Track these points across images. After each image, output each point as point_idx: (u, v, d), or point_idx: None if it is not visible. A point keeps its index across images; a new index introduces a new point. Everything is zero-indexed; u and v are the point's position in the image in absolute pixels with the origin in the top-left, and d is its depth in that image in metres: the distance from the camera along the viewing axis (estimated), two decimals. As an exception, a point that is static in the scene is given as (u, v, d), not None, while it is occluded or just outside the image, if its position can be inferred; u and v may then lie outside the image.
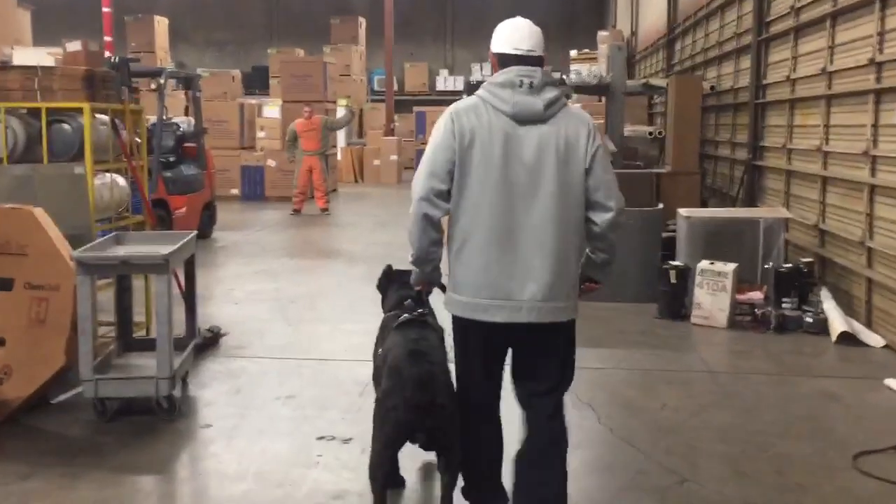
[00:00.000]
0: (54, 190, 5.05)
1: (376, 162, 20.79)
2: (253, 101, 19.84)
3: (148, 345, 5.03)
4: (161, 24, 22.74)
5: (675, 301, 6.92)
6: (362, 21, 24.17)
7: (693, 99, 9.49)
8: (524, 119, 2.99)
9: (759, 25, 9.53)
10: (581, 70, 12.36)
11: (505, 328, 3.04)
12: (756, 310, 6.64)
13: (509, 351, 3.22)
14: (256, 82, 24.95)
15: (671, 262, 7.08)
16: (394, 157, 20.76)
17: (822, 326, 6.39)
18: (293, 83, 17.61)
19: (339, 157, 19.87)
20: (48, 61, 5.99)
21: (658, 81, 11.69)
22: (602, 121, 12.52)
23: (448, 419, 3.13)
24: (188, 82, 11.62)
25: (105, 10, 22.38)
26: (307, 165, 14.06)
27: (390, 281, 3.90)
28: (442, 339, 3.45)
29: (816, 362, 5.88)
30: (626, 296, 7.50)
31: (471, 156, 2.97)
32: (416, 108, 25.58)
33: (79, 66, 5.58)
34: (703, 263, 6.78)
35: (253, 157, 16.67)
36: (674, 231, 7.95)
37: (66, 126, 5.45)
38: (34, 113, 5.42)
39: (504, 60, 3.08)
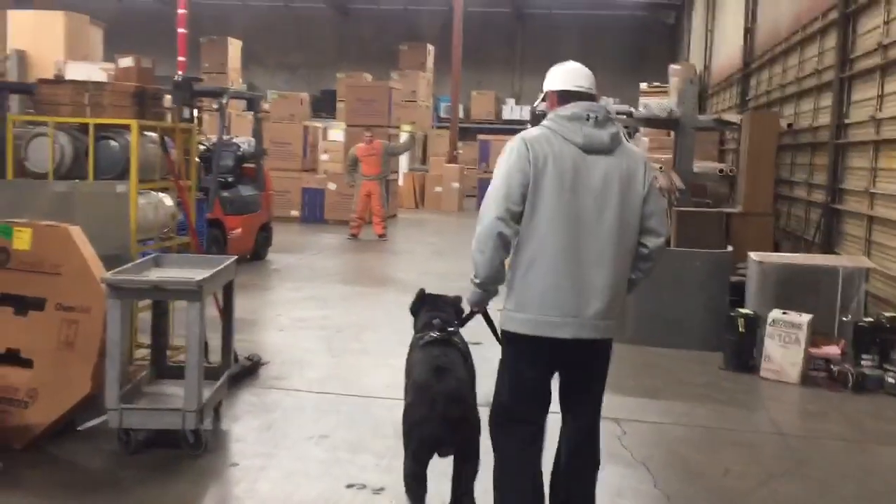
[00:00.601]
0: (95, 208, 4.91)
1: (438, 189, 20.62)
2: (318, 124, 19.94)
3: (183, 372, 4.83)
4: (234, 45, 23.15)
5: (743, 352, 6.45)
6: (431, 48, 24.17)
7: (769, 136, 9.00)
8: (592, 150, 3.20)
9: (842, 62, 9.02)
10: (650, 103, 11.97)
11: (565, 344, 3.18)
12: (832, 366, 6.13)
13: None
14: (325, 106, 25.15)
15: (740, 310, 6.61)
16: (455, 185, 20.56)
17: (905, 388, 5.86)
18: (358, 107, 17.58)
19: (400, 182, 19.76)
20: (100, 76, 5.91)
21: (731, 117, 11.20)
22: (669, 156, 12.09)
23: (474, 432, 3.35)
24: (250, 103, 11.61)
25: (180, 30, 22.89)
26: (366, 190, 13.93)
27: (423, 304, 4.01)
28: (467, 358, 3.61)
29: (899, 429, 5.36)
30: (690, 343, 7.07)
31: (544, 180, 3.14)
32: (480, 137, 25.39)
33: (130, 83, 5.46)
34: (776, 313, 6.30)
35: (314, 180, 16.66)
36: (744, 275, 7.49)
37: (112, 143, 5.33)
38: (82, 128, 5.31)
39: (565, 97, 3.30)
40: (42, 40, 11.13)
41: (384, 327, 7.53)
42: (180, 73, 17.72)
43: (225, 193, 10.58)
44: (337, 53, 30.76)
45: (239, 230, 10.72)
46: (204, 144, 10.74)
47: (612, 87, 29.03)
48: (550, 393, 3.34)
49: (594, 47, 29.73)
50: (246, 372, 5.68)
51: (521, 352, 3.23)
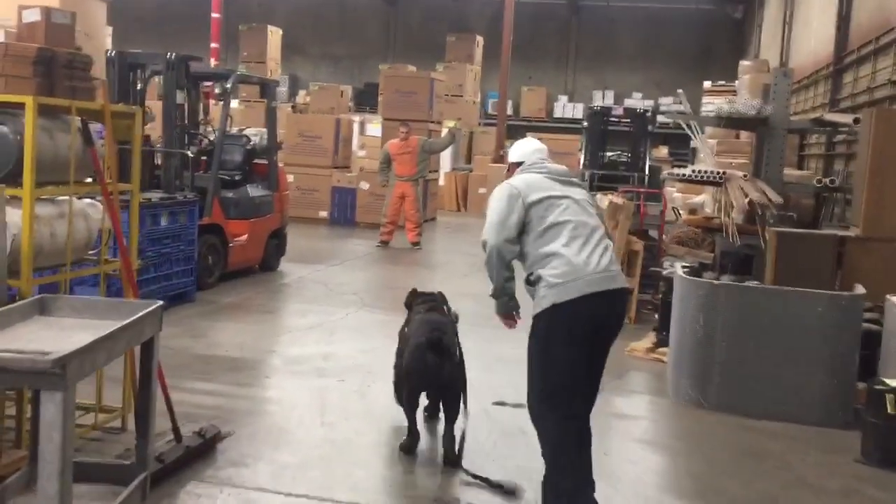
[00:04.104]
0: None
1: (482, 190, 18.90)
2: (356, 117, 18.47)
3: (88, 468, 3.25)
4: (274, 34, 21.87)
5: (892, 440, 4.63)
6: (480, 40, 22.48)
7: (900, 140, 7.08)
8: (562, 179, 3.99)
9: None
10: (736, 99, 10.14)
11: (612, 296, 3.72)
12: None
13: None
14: (369, 99, 23.81)
15: (887, 381, 4.78)
16: (501, 187, 18.83)
17: None
18: (396, 99, 15.97)
19: (441, 182, 18.13)
20: (-5, 35, 4.37)
21: (839, 117, 9.28)
22: (744, 160, 10.29)
23: (455, 380, 4.23)
24: (264, 90, 10.04)
25: (214, 15, 21.61)
26: (399, 192, 12.27)
27: (414, 300, 4.83)
28: (455, 332, 4.43)
29: None
30: (805, 415, 5.30)
31: (539, 195, 3.80)
32: (530, 135, 23.63)
33: (32, 44, 3.87)
34: (943, 391, 4.48)
35: (345, 178, 15.11)
36: (874, 323, 5.66)
37: (2, 128, 3.75)
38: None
39: (520, 166, 4.10)
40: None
41: (400, 375, 5.84)
42: (214, 60, 16.34)
43: (229, 194, 9.03)
44: (382, 45, 29.32)
45: (244, 237, 9.15)
46: (207, 137, 9.22)
47: (673, 85, 26.93)
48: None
49: (654, 43, 27.77)
50: (191, 455, 4.04)
51: (571, 322, 3.56)
